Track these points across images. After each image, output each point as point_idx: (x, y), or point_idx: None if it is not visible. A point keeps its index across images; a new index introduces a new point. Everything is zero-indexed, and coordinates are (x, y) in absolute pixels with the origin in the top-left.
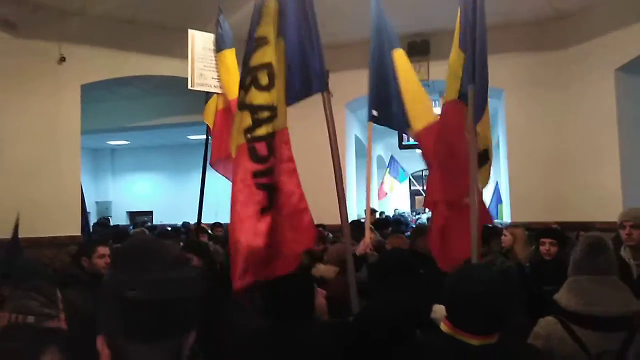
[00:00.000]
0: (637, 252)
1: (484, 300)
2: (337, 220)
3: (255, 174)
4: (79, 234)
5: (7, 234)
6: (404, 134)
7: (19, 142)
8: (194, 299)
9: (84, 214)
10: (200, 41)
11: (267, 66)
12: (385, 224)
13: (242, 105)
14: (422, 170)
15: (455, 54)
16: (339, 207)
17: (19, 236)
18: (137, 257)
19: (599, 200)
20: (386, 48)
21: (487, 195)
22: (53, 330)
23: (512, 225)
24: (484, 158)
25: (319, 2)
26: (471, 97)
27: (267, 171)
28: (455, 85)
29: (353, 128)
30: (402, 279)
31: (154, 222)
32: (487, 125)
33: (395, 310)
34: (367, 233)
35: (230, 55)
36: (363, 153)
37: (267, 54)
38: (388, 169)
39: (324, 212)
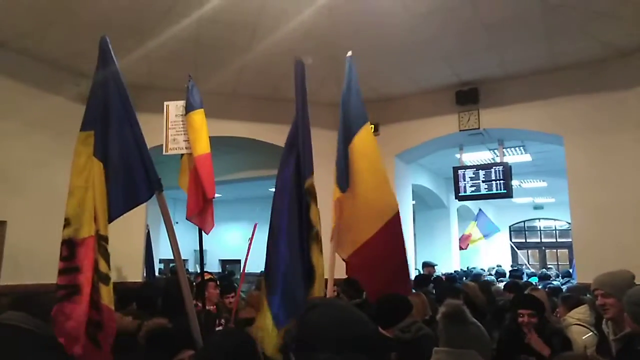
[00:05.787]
0: (617, 325)
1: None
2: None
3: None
4: (140, 280)
5: None
6: (459, 185)
7: None
8: None
9: (149, 262)
10: (173, 110)
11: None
12: (425, 281)
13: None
14: (523, 222)
15: None
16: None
17: None
18: None
19: None
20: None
21: None
22: None
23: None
24: None
25: (361, 61)
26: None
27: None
28: None
29: (407, 177)
30: None
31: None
32: None
33: None
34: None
35: (198, 115)
36: (438, 203)
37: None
38: (475, 221)
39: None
